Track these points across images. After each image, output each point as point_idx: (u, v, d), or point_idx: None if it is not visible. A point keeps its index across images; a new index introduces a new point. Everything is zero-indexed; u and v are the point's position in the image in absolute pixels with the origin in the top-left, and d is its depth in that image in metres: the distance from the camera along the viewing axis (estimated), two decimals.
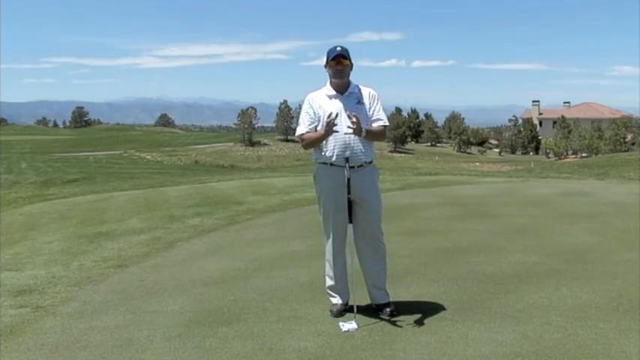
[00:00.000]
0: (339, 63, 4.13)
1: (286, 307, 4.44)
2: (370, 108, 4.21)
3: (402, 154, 69.96)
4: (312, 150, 4.30)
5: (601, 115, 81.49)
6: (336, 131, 4.06)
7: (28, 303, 4.87)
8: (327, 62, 4.16)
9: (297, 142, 4.40)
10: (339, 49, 4.14)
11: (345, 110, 4.11)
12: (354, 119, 4.00)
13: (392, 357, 3.52)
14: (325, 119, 4.09)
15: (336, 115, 4.06)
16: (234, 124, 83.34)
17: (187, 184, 15.84)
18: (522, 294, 4.54)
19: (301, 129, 4.27)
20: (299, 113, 4.44)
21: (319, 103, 4.21)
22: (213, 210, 9.53)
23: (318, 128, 4.19)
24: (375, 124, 4.20)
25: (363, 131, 4.06)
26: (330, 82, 4.22)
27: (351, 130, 4.02)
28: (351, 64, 4.20)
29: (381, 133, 4.28)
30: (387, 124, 4.31)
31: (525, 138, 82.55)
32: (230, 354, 3.65)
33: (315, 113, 4.21)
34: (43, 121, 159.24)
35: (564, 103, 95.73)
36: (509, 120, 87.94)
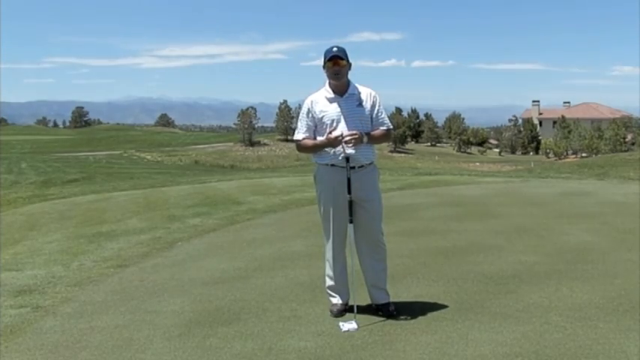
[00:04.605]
0: (335, 64, 4.08)
1: (286, 307, 4.44)
2: (372, 111, 4.19)
3: (402, 154, 69.95)
4: None
5: (601, 115, 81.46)
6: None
7: (28, 303, 4.87)
8: (324, 64, 4.12)
9: None
10: (335, 49, 4.09)
11: (346, 114, 4.10)
12: (355, 137, 4.01)
13: (392, 357, 3.51)
14: (329, 134, 4.09)
15: (341, 135, 4.05)
16: (234, 124, 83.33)
17: (187, 184, 15.85)
18: (522, 294, 4.54)
19: (299, 134, 4.26)
20: (299, 113, 4.43)
21: (320, 107, 4.17)
22: (213, 210, 9.53)
23: (319, 130, 4.17)
24: (379, 128, 4.20)
25: (364, 138, 4.07)
26: (329, 83, 4.19)
27: (350, 151, 4.04)
28: (349, 64, 4.15)
29: (385, 136, 4.28)
30: (391, 127, 4.31)
31: (525, 138, 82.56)
32: (230, 354, 3.65)
33: (313, 118, 4.19)
34: (43, 121, 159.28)
35: (564, 103, 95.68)
36: (509, 120, 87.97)
